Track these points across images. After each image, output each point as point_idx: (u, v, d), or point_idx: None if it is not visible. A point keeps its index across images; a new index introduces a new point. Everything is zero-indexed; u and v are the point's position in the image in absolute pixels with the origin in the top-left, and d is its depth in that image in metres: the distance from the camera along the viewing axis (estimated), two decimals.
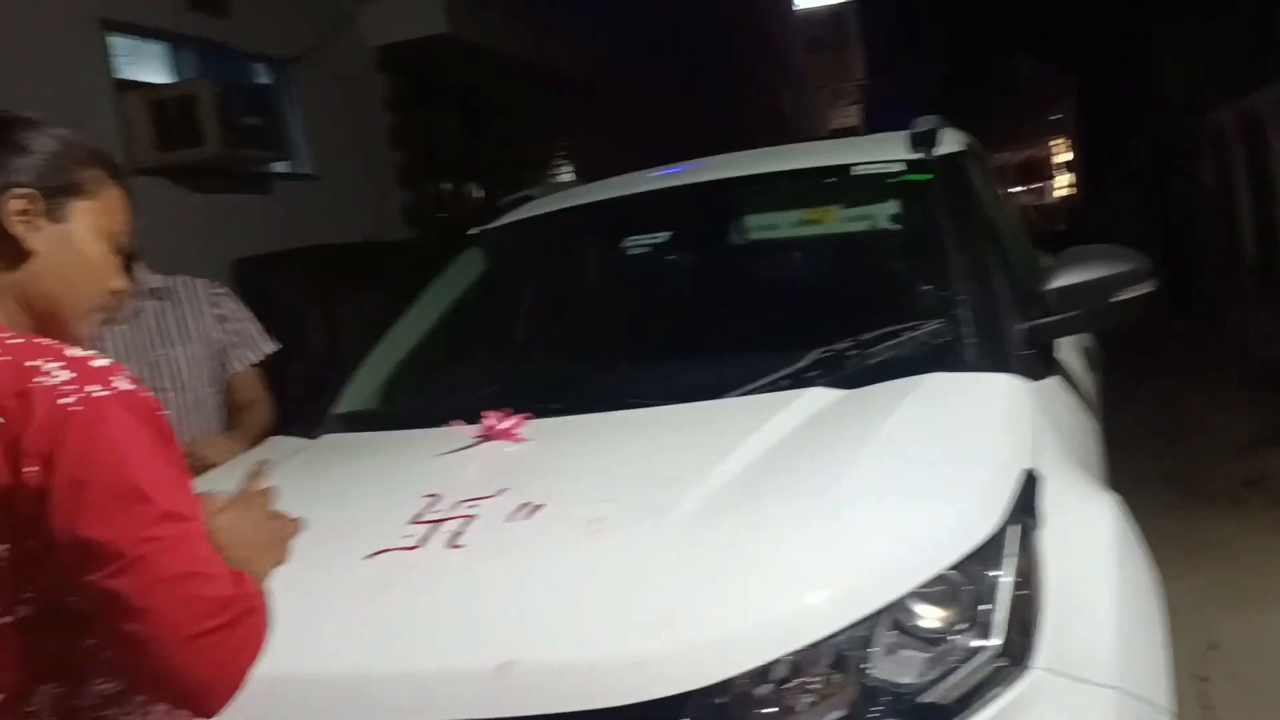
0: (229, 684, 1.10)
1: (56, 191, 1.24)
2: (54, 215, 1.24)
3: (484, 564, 1.49)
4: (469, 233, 3.09)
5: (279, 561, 1.29)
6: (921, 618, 1.38)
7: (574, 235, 3.02)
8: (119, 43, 5.82)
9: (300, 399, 2.82)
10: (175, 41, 6.30)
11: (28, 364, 1.10)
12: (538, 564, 1.47)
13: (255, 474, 1.36)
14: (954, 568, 1.41)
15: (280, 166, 6.85)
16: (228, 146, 5.76)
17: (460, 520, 1.61)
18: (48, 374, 1.09)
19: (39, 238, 1.22)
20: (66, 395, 1.08)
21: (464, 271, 2.93)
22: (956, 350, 2.01)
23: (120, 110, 5.66)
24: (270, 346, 2.71)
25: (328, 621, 1.41)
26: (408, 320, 2.81)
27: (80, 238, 1.26)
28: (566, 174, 11.26)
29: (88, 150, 1.29)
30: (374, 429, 2.30)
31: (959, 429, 1.74)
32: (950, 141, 2.73)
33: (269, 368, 2.75)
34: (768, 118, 21.11)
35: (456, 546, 1.54)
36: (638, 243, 2.85)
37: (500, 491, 1.68)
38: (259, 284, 5.71)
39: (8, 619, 1.09)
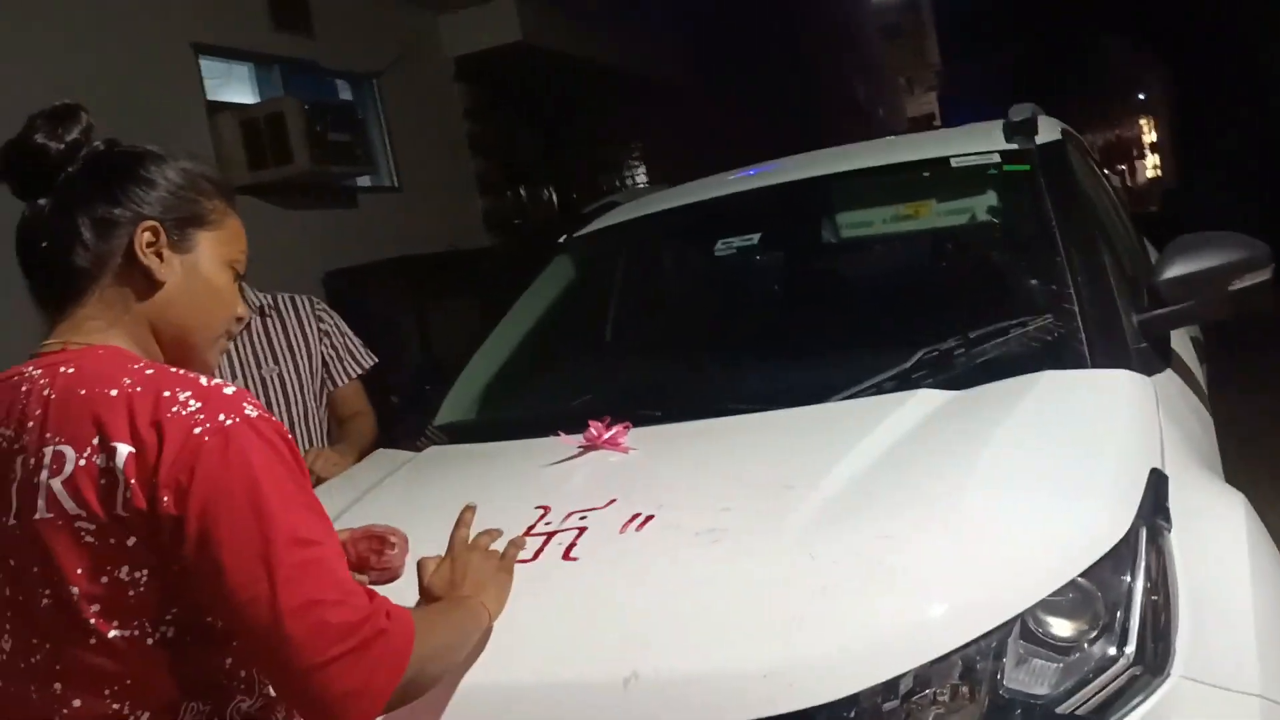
0: (366, 705, 1.12)
1: (183, 223, 1.28)
2: (180, 246, 1.27)
3: (600, 576, 1.49)
4: (559, 240, 3.11)
5: (508, 587, 1.45)
6: (1053, 626, 1.34)
7: (666, 239, 3.02)
8: (210, 65, 6.00)
9: (398, 409, 2.86)
10: (262, 62, 6.47)
11: (163, 394, 1.13)
12: (654, 575, 1.46)
13: (462, 522, 1.53)
14: (1085, 574, 1.37)
15: (365, 180, 6.99)
16: (315, 162, 5.90)
17: (572, 532, 1.61)
18: (181, 404, 1.12)
19: (167, 268, 1.26)
20: (198, 425, 1.11)
21: (555, 280, 2.95)
22: (1071, 346, 1.95)
23: (213, 130, 5.83)
24: (371, 359, 2.76)
25: None
26: (502, 330, 2.83)
27: (206, 267, 1.29)
28: (642, 174, 11.27)
29: (210, 181, 1.32)
30: (476, 440, 2.32)
31: (1081, 429, 1.68)
32: (1047, 129, 2.66)
33: (367, 379, 2.80)
34: (844, 108, 20.89)
35: (570, 559, 1.54)
36: (731, 245, 2.83)
37: (609, 502, 1.67)
38: (350, 296, 5.84)
39: (152, 639, 1.12)
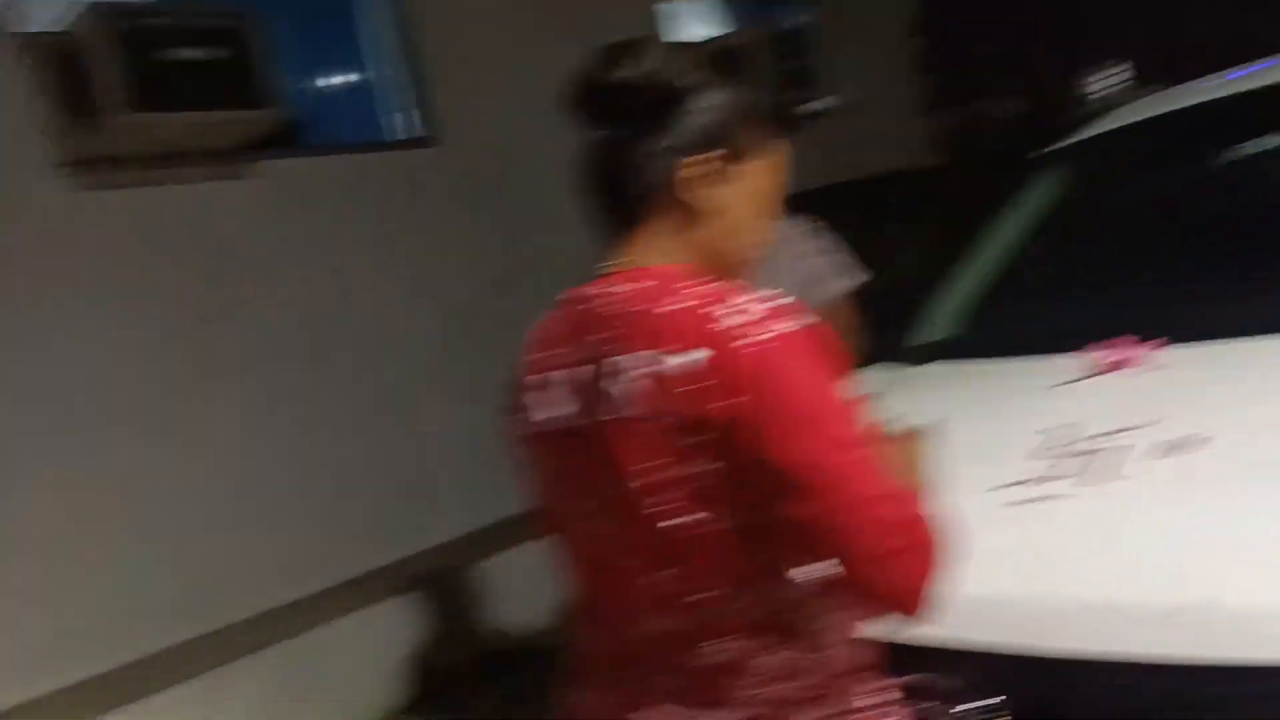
0: (917, 599, 1.16)
1: (735, 153, 1.34)
2: (731, 174, 1.34)
3: (1155, 499, 1.40)
4: (1035, 154, 2.92)
5: (926, 477, 1.35)
6: None
7: (1170, 146, 2.72)
8: (668, 7, 6.26)
9: (878, 325, 2.86)
10: None
11: (715, 307, 1.21)
12: (1217, 501, 1.35)
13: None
14: None
15: (819, 103, 7.00)
16: (777, 90, 6.01)
17: (1113, 452, 1.52)
18: (732, 314, 1.20)
19: (719, 195, 1.33)
20: (749, 334, 1.17)
21: (1040, 193, 2.78)
22: None
23: None
24: (861, 275, 2.78)
25: (990, 548, 1.40)
26: (985, 245, 2.72)
27: (751, 195, 1.35)
28: (1114, 76, 10.22)
29: (759, 111, 1.37)
30: (969, 357, 2.27)
31: None
32: None
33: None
34: None
35: (1114, 479, 1.46)
36: (1250, 149, 2.49)
37: (1150, 423, 1.56)
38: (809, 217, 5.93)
39: (724, 526, 1.22)
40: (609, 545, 1.31)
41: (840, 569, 1.18)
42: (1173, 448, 1.47)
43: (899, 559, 1.14)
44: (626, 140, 1.34)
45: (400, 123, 4.78)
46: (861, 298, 2.82)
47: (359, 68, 4.80)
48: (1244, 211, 2.43)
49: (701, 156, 1.32)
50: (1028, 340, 2.16)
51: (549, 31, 4.74)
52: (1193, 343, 1.83)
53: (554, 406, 1.34)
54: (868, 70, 7.64)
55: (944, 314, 2.61)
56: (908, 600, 1.16)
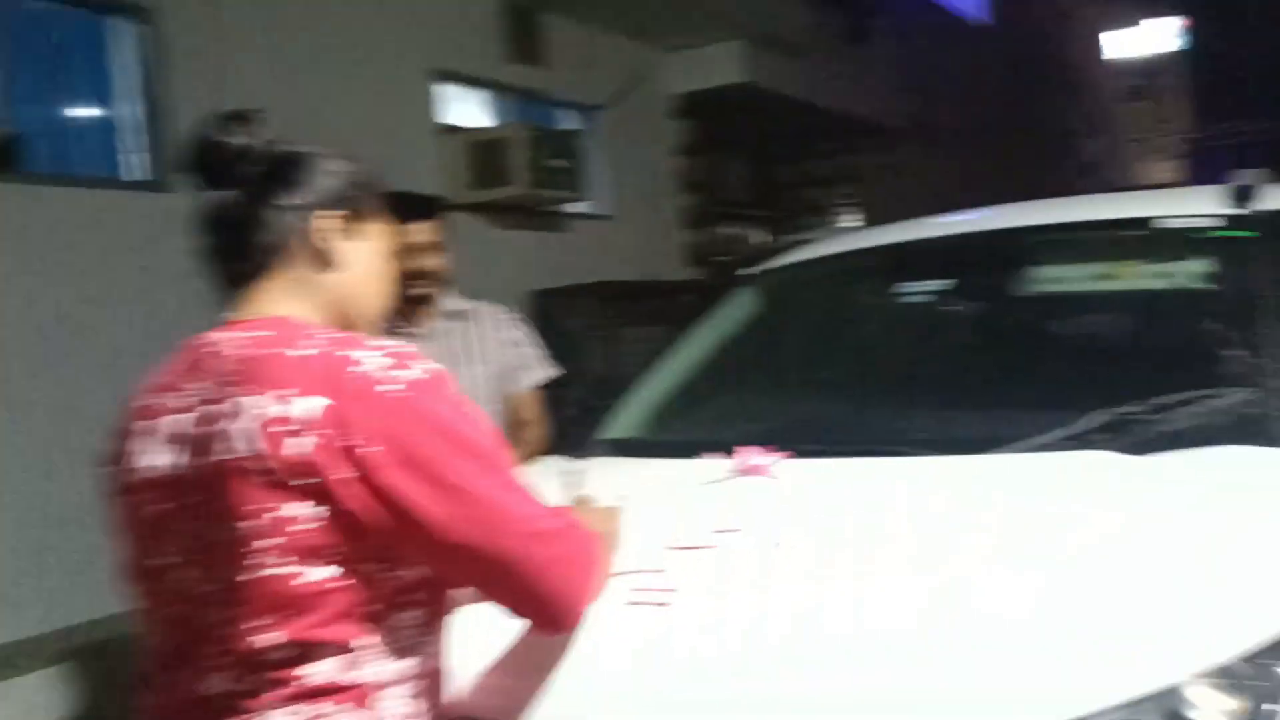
0: (575, 607, 1.33)
1: (357, 214, 1.43)
2: (355, 232, 1.42)
3: (724, 598, 1.50)
4: (742, 272, 3.13)
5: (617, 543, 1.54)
6: (1198, 708, 1.24)
7: (851, 279, 2.99)
8: (443, 90, 6.36)
9: (573, 422, 2.95)
10: (493, 89, 6.79)
11: (338, 354, 1.25)
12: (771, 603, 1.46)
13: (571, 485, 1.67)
14: (1245, 659, 1.26)
15: (579, 206, 7.21)
16: (534, 187, 6.17)
17: (707, 550, 1.62)
18: (373, 358, 1.25)
19: (347, 250, 1.41)
20: (391, 380, 1.24)
21: (736, 310, 2.97)
22: (1264, 423, 1.81)
23: (440, 152, 6.16)
24: (551, 371, 2.86)
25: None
26: (678, 353, 2.87)
27: (372, 254, 1.46)
28: (855, 220, 11.13)
29: (370, 180, 1.46)
30: (636, 455, 2.37)
31: (1260, 508, 1.56)
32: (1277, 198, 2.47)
33: (548, 391, 2.90)
34: (1075, 168, 20.02)
35: (711, 578, 1.56)
36: (918, 289, 2.77)
37: (743, 528, 1.68)
38: (551, 314, 6.06)
39: (320, 575, 1.23)
40: (199, 599, 1.28)
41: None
42: (751, 552, 1.59)
43: (560, 568, 1.28)
44: (250, 199, 1.38)
45: (136, 163, 4.61)
46: (553, 392, 2.90)
47: (102, 103, 4.63)
48: (888, 345, 2.70)
49: (330, 213, 1.39)
50: (688, 443, 2.28)
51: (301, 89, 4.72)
52: (813, 458, 1.99)
53: (161, 452, 1.32)
54: (634, 183, 7.96)
55: (631, 414, 2.72)
56: (564, 609, 1.30)
